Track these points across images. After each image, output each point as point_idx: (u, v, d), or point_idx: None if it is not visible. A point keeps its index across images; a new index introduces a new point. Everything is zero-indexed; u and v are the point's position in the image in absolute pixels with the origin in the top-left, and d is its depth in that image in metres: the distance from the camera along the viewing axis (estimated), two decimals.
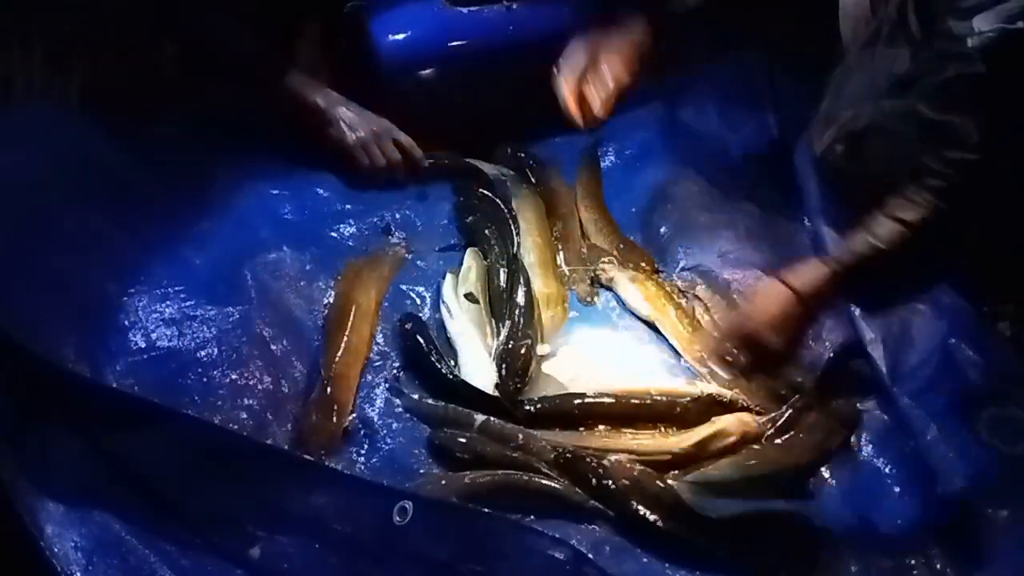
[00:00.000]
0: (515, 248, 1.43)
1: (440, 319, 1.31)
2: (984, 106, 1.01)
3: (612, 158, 1.66)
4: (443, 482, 1.08)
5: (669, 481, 1.10)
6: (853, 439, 1.19)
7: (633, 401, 1.21)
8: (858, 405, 1.22)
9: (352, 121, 1.48)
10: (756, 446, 1.17)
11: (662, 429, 1.19)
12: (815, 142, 1.26)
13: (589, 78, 1.26)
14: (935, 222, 1.05)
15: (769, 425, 1.19)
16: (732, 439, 1.16)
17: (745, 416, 1.20)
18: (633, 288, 1.38)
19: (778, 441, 1.18)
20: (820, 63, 1.36)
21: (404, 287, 1.37)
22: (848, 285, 1.13)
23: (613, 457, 1.11)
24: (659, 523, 1.05)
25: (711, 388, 1.24)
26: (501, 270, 1.37)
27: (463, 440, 1.12)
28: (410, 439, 1.15)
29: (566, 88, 1.26)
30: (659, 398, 1.21)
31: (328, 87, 1.49)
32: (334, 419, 1.13)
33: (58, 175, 1.17)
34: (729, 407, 1.21)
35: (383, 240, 1.45)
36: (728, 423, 1.18)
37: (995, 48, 0.98)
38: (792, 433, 1.18)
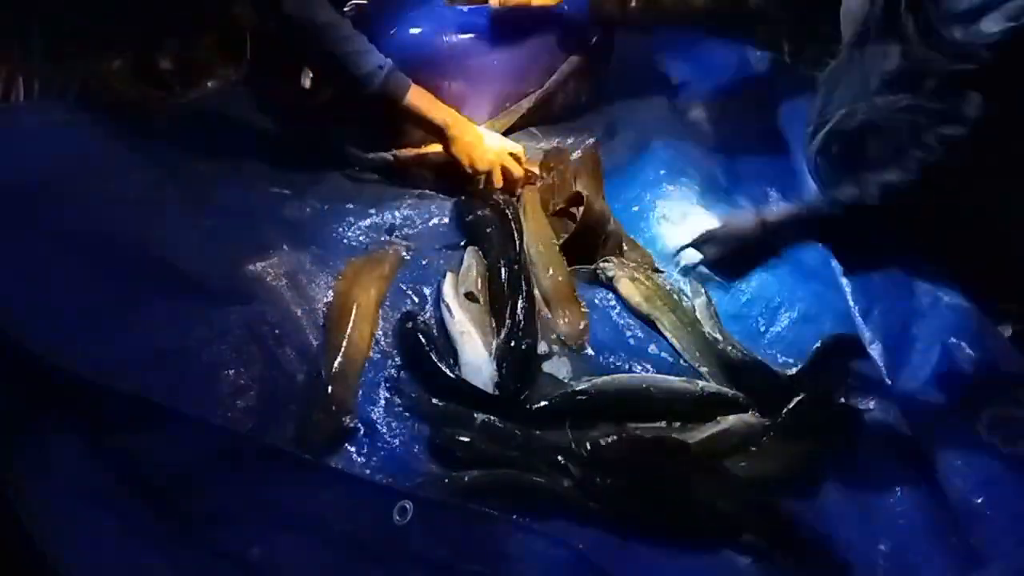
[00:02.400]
0: (517, 247, 1.43)
1: (440, 318, 1.31)
2: (987, 97, 1.03)
3: (613, 157, 1.66)
4: (443, 482, 1.08)
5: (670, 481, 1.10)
6: (853, 439, 1.19)
7: (634, 400, 1.21)
8: (858, 405, 1.22)
9: (484, 148, 1.50)
10: (757, 446, 1.17)
11: (664, 428, 1.19)
12: (808, 144, 1.27)
13: None
14: (915, 186, 1.07)
15: (770, 425, 1.19)
16: (735, 439, 1.16)
17: (747, 416, 1.20)
18: (633, 287, 1.38)
19: (779, 441, 1.18)
20: (821, 61, 1.36)
21: (404, 286, 1.37)
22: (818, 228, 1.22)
23: (613, 457, 1.11)
24: (659, 523, 1.05)
25: (712, 387, 1.24)
26: (502, 269, 1.37)
27: (463, 440, 1.12)
28: (410, 439, 1.15)
29: None
30: (660, 397, 1.21)
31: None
32: (334, 419, 1.13)
33: (58, 175, 1.17)
34: (730, 406, 1.21)
35: (383, 239, 1.45)
36: (731, 423, 1.18)
37: (1004, 46, 1.00)
38: (792, 433, 1.19)
